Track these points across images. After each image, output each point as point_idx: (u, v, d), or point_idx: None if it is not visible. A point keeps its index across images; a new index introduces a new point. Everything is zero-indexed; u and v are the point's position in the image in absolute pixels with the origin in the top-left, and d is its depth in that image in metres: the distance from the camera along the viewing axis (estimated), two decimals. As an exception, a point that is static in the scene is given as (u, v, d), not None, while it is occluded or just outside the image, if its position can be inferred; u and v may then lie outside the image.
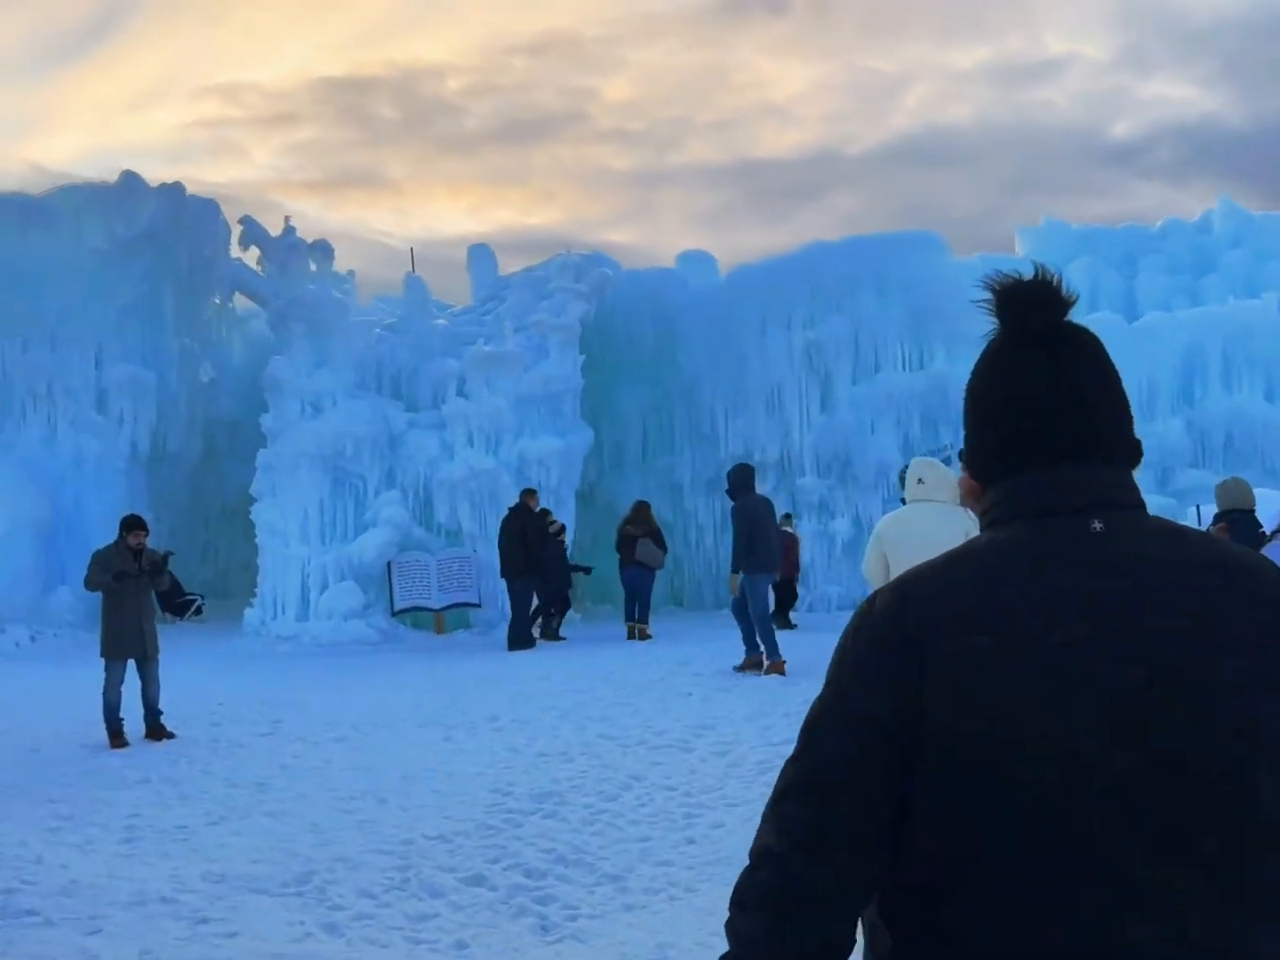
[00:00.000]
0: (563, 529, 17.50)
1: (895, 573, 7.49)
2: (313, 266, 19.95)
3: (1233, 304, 17.96)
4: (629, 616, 16.37)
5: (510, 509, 16.66)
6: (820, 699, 1.54)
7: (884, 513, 19.53)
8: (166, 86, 63.54)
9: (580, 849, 6.29)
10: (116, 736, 9.40)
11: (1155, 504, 17.31)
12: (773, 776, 6.36)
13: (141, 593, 9.69)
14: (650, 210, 65.92)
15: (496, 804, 7.23)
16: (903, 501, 7.61)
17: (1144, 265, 20.62)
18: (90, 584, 9.68)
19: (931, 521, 7.10)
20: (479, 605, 18.98)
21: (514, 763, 8.38)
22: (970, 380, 1.79)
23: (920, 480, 7.14)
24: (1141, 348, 18.02)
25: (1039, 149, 63.61)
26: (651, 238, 74.17)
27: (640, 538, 16.41)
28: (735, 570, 12.39)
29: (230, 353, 24.55)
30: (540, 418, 19.40)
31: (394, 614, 18.65)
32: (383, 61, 70.14)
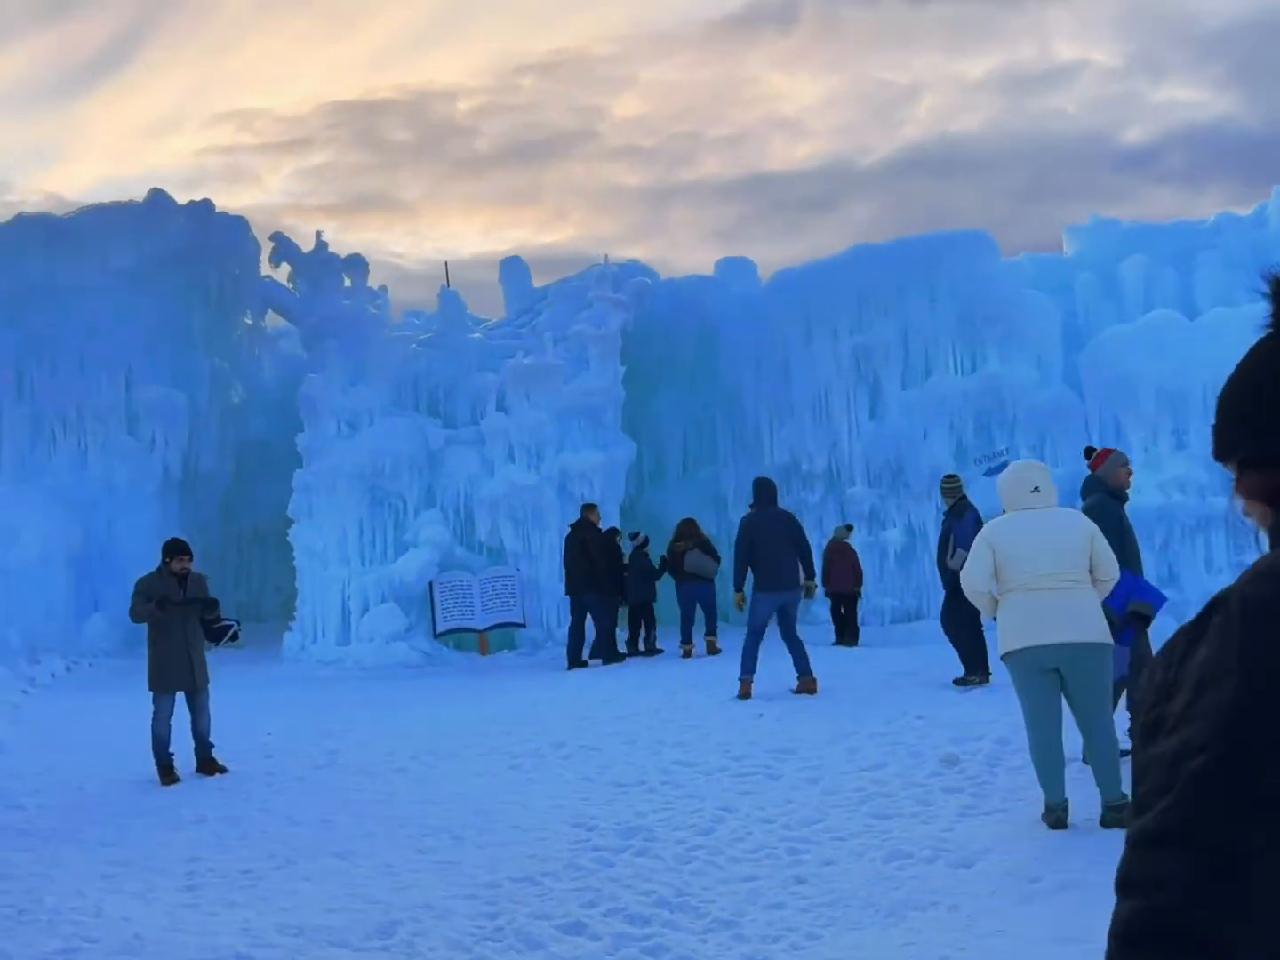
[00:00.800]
0: (646, 540, 17.23)
1: (1008, 582, 7.03)
2: (347, 282, 19.63)
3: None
4: (685, 637, 15.87)
5: (571, 525, 16.26)
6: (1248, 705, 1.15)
7: (938, 522, 18.98)
8: (180, 114, 63.81)
9: (682, 890, 5.82)
10: (167, 773, 8.97)
11: (1220, 506, 16.65)
12: (874, 806, 6.00)
13: (189, 621, 9.23)
14: (663, 226, 65.68)
15: (581, 840, 6.77)
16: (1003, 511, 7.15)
17: (1200, 262, 20.02)
18: (135, 615, 9.26)
19: (1055, 528, 6.68)
20: (524, 625, 18.56)
21: (590, 794, 7.91)
22: (1244, 381, 1.47)
23: (1036, 489, 6.74)
24: (1204, 345, 17.43)
25: (1051, 156, 63.22)
26: (665, 253, 74.03)
27: (688, 551, 15.94)
28: (738, 589, 11.76)
29: (261, 372, 24.29)
30: (581, 430, 18.99)
31: (436, 636, 18.25)
32: (394, 85, 70.45)
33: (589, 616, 15.40)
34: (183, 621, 9.20)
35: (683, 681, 12.79)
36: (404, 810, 7.78)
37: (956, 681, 11.22)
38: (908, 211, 63.53)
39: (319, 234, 20.05)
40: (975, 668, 11.25)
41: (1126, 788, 5.98)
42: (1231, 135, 59.32)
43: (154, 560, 18.75)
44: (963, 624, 11.16)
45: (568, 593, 15.98)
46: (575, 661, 15.40)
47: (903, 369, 19.40)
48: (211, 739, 9.26)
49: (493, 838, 6.98)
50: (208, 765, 9.16)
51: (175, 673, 9.14)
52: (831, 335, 19.62)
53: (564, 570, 15.96)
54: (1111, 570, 6.73)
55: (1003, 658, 6.81)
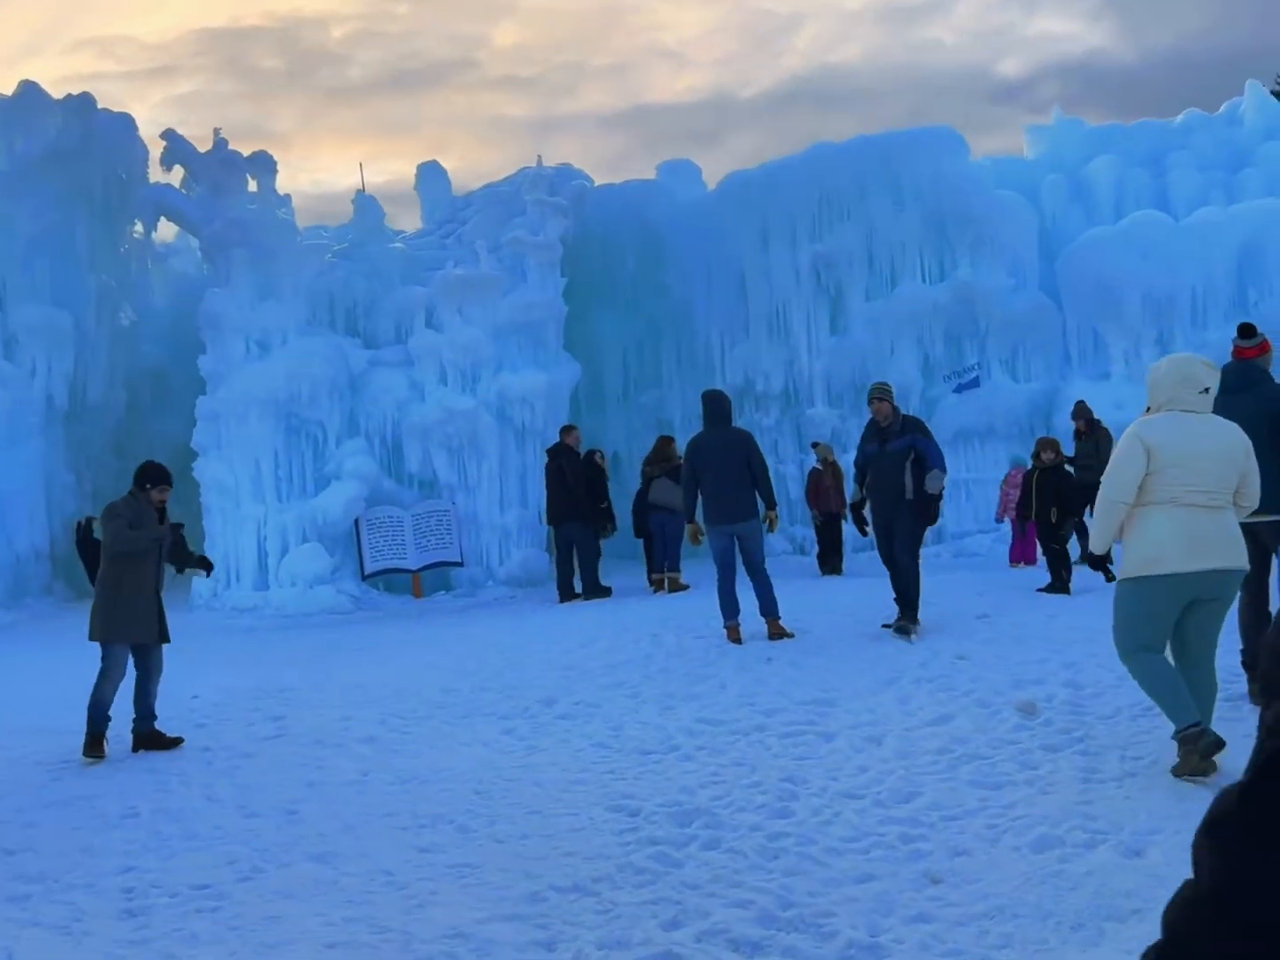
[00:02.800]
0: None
1: (1156, 493, 5.83)
2: (252, 184, 17.68)
3: (1290, 196, 16.59)
4: (655, 568, 14.64)
5: (548, 450, 15.04)
6: None
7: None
8: (40, 40, 59.54)
9: (786, 899, 4.56)
10: (97, 744, 7.48)
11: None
12: (972, 772, 4.63)
13: (162, 562, 7.92)
14: (547, 158, 63.34)
15: (628, 830, 5.47)
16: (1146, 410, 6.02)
17: (1172, 163, 19.12)
18: (128, 542, 7.57)
19: (1217, 437, 5.66)
20: (461, 564, 17.14)
21: (614, 764, 6.62)
22: None
23: (1206, 389, 5.69)
24: (1192, 248, 16.56)
25: (930, 88, 62.90)
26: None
27: (656, 478, 14.61)
28: (688, 519, 10.48)
29: (151, 294, 22.20)
30: (521, 349, 17.51)
31: (365, 578, 16.75)
32: (262, 11, 66.75)
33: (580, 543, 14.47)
34: (158, 560, 7.85)
35: (662, 621, 11.52)
36: (385, 793, 6.40)
37: (892, 627, 9.83)
38: (791, 143, 62.95)
39: (217, 131, 18.04)
40: (913, 612, 9.94)
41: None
42: (1104, 67, 59.63)
43: (38, 502, 16.86)
44: (915, 558, 9.96)
45: (548, 523, 14.79)
46: (566, 594, 14.37)
47: (866, 278, 18.22)
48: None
49: (509, 828, 5.65)
50: (153, 740, 7.65)
51: (140, 620, 7.64)
52: (789, 243, 18.34)
53: (545, 499, 14.95)
54: (1255, 496, 5.75)
55: (1132, 579, 5.76)
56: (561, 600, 14.40)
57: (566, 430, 15.09)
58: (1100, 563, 12.21)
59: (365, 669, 10.40)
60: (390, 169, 65.66)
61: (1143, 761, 5.99)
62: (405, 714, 8.26)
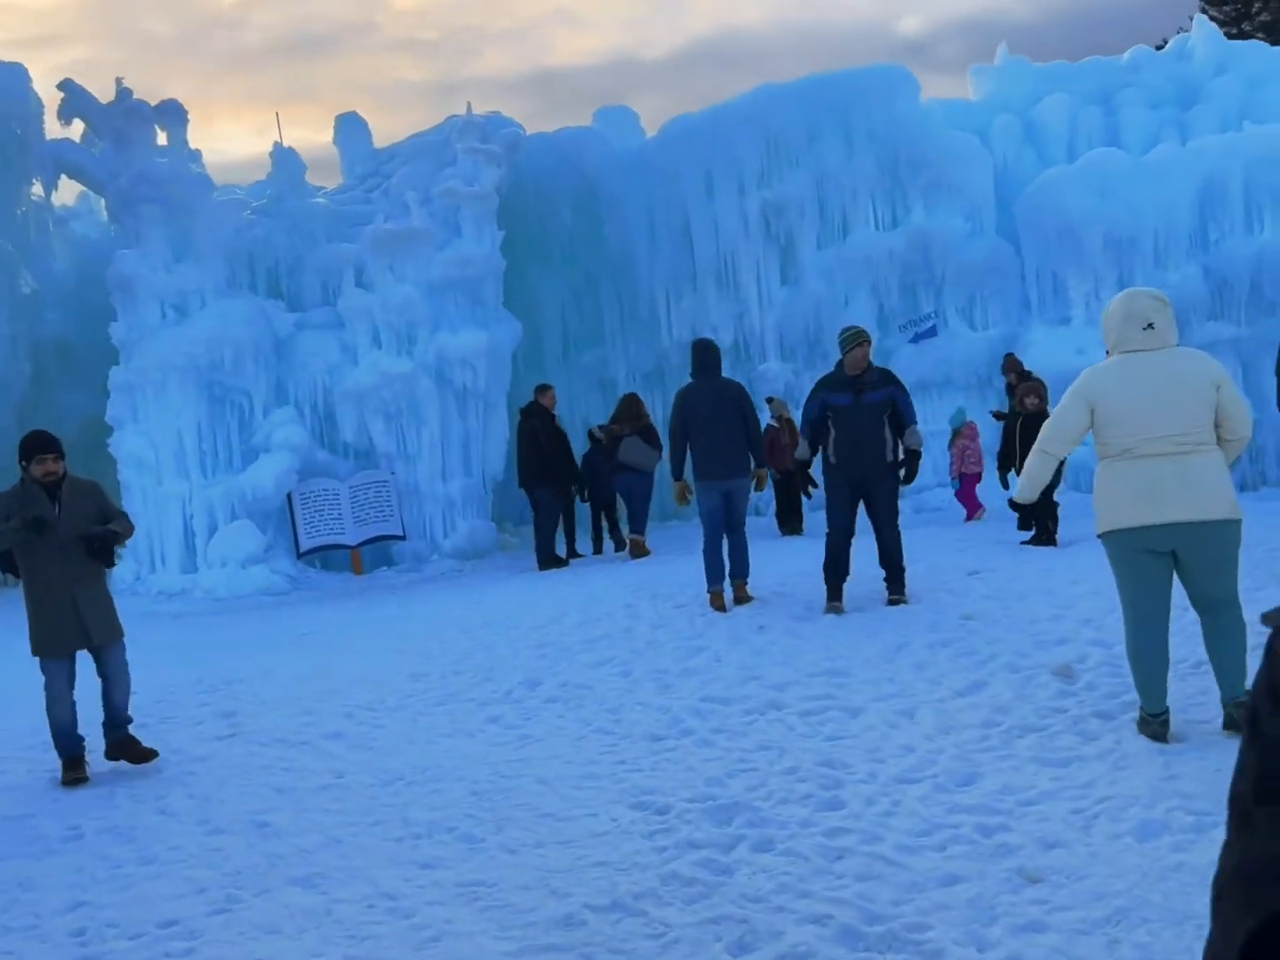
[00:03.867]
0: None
1: (1110, 445, 4.78)
2: (161, 137, 16.54)
3: (1254, 130, 16.21)
4: (630, 530, 14.01)
5: (521, 411, 14.38)
6: None
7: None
8: (-86, 9, 56.69)
9: (870, 911, 3.95)
10: (74, 765, 6.46)
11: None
12: (1031, 747, 4.84)
13: (71, 551, 6.46)
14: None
15: (660, 832, 4.83)
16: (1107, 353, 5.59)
17: (1122, 100, 18.74)
18: None
19: (1173, 375, 5.23)
20: (403, 537, 16.33)
21: (623, 753, 5.96)
22: None
23: (1150, 325, 5.32)
24: (1154, 186, 16.17)
25: (832, 46, 62.75)
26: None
27: (627, 436, 13.90)
28: (676, 476, 9.90)
29: (53, 260, 20.87)
30: (458, 307, 16.62)
31: (300, 556, 15.86)
32: (152, -26, 64.07)
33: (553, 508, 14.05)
34: (59, 553, 6.44)
35: (634, 591, 10.87)
36: (367, 798, 5.68)
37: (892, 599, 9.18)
38: (695, 105, 62.19)
39: (119, 81, 16.81)
40: (902, 584, 9.24)
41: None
42: (1003, 24, 59.89)
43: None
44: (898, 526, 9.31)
45: (521, 486, 14.17)
46: (548, 562, 13.82)
47: (818, 226, 17.59)
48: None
49: (520, 835, 4.98)
50: (127, 749, 6.60)
51: (59, 627, 6.48)
52: (736, 190, 17.63)
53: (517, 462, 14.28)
54: (1244, 427, 5.34)
55: (1101, 535, 5.50)
56: (541, 568, 13.78)
57: (541, 390, 14.39)
58: (1021, 509, 11.89)
59: (317, 655, 9.62)
60: (289, 137, 63.21)
61: (1212, 725, 5.49)
62: (373, 704, 7.52)
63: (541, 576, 13.20)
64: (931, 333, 17.25)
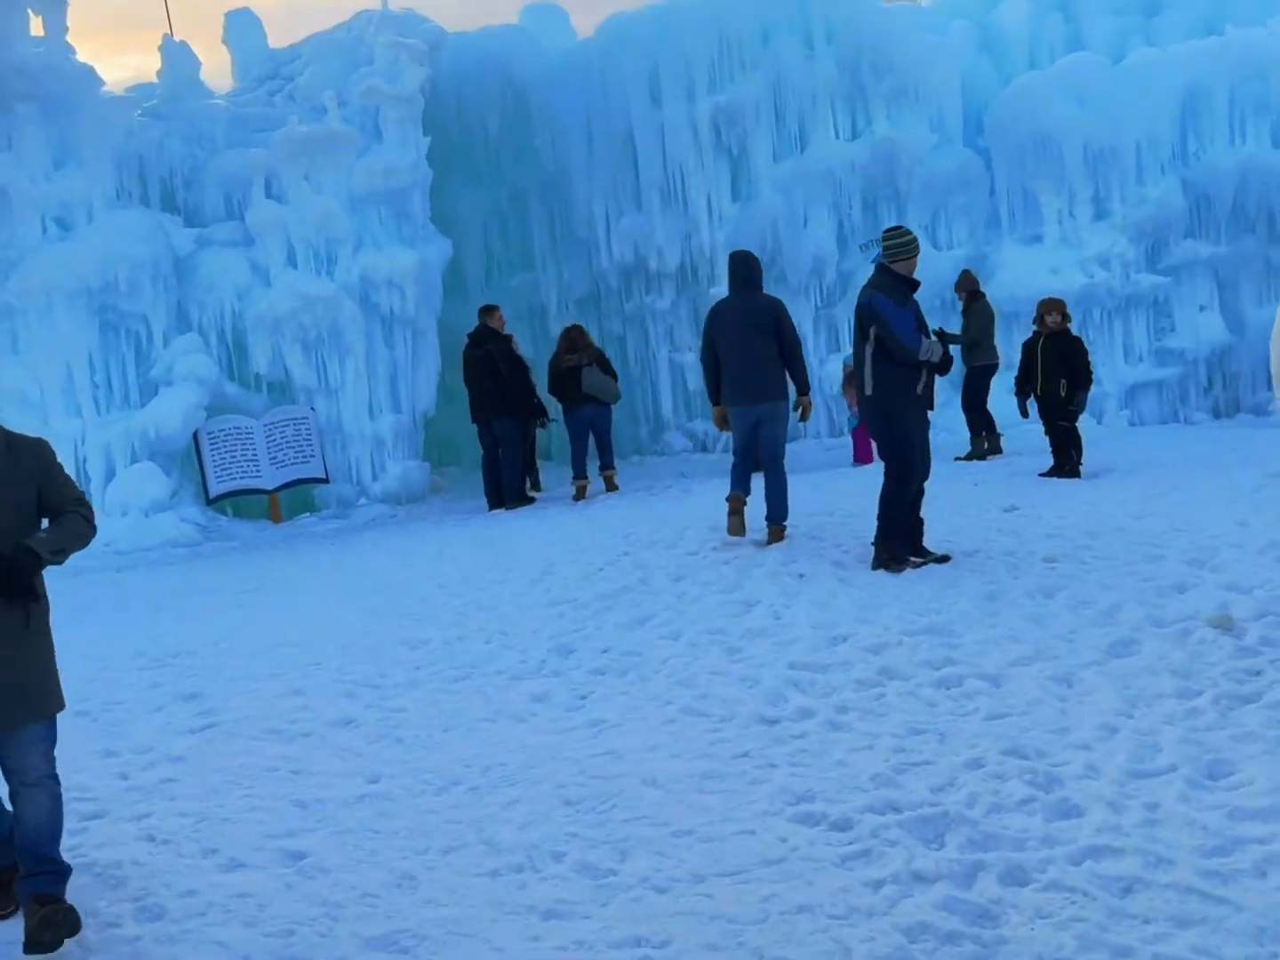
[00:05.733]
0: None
1: None
2: (35, 25, 14.50)
3: (1236, 34, 15.47)
4: (579, 472, 12.81)
5: (470, 336, 13.05)
6: None
7: (827, 321, 16.41)
8: None
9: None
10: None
11: (1146, 284, 14.76)
12: (1257, 721, 4.72)
13: None
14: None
15: (857, 857, 3.70)
16: None
17: (1084, 7, 17.87)
18: None
19: None
20: (326, 480, 14.85)
21: (738, 742, 4.80)
22: None
23: None
24: (1134, 94, 15.35)
25: None
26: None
27: (585, 367, 12.73)
28: (713, 401, 9.06)
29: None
30: (383, 223, 15.06)
31: (210, 502, 14.28)
32: None
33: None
34: None
35: (621, 535, 9.70)
36: (423, 811, 4.44)
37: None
38: (635, 3, 59.65)
39: (-20, -41, 14.68)
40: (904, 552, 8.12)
41: None
42: None
43: None
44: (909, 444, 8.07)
45: (474, 420, 12.80)
46: (501, 501, 12.69)
47: (773, 136, 16.39)
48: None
49: (663, 865, 3.81)
50: (45, 923, 3.57)
51: None
52: (683, 96, 16.30)
53: (469, 393, 12.94)
54: None
55: None
56: (491, 508, 12.69)
57: (488, 311, 13.07)
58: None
59: (271, 617, 8.24)
60: (133, 64, 58.48)
61: None
62: (375, 680, 6.23)
63: (498, 521, 11.94)
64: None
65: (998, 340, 13.41)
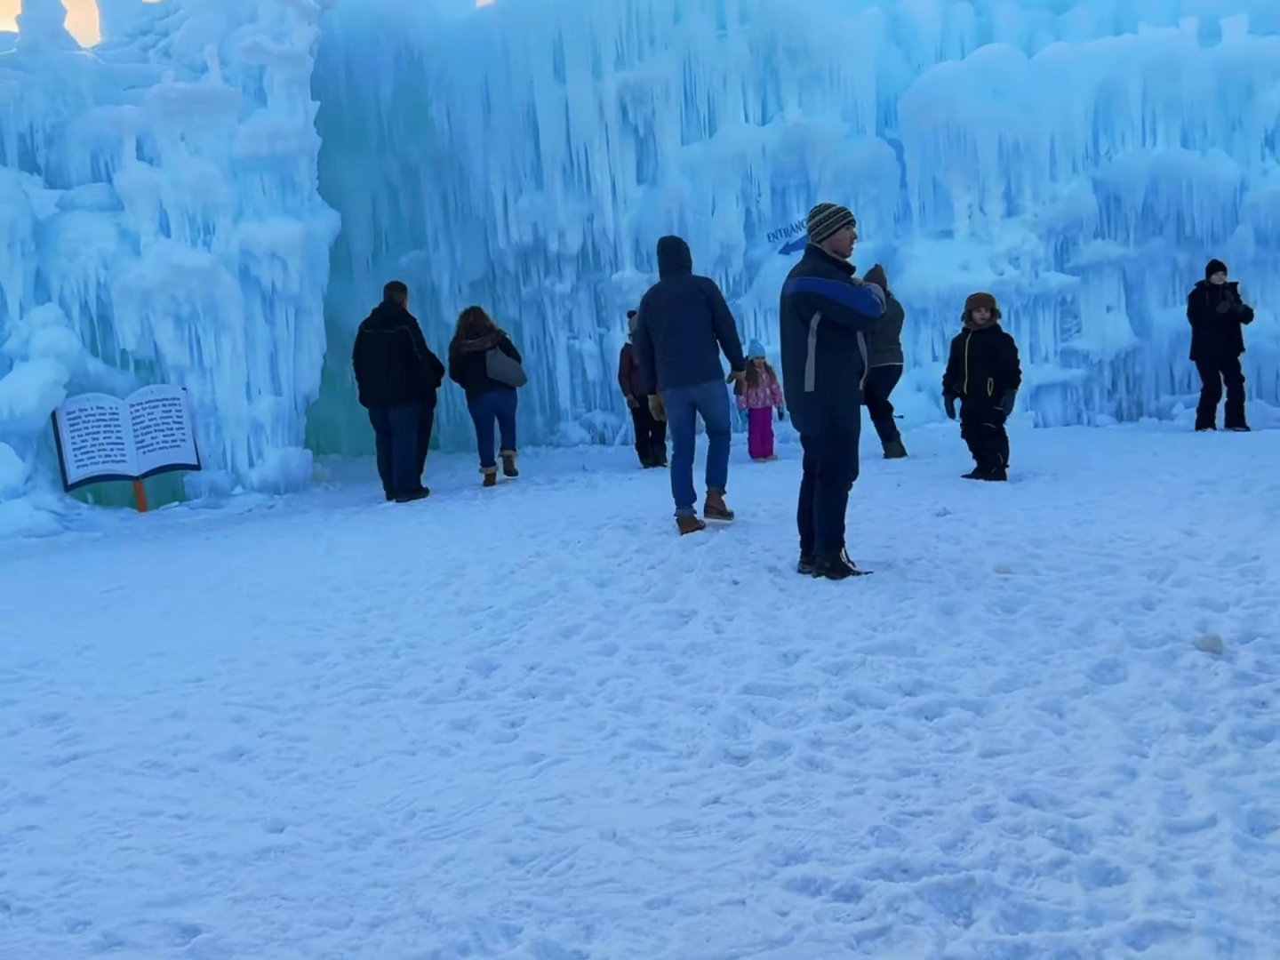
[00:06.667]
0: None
1: None
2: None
3: (1149, 32, 15.38)
4: (487, 459, 12.22)
5: (375, 312, 12.28)
6: None
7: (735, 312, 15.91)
8: None
9: None
10: None
11: (1054, 283, 14.61)
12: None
13: None
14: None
15: (874, 936, 3.13)
16: None
17: (993, 0, 17.71)
18: None
19: None
20: (198, 467, 13.89)
21: (705, 783, 4.18)
22: None
23: None
24: (1050, 88, 15.17)
25: None
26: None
27: (488, 351, 12.10)
28: (649, 390, 9.01)
29: None
30: (266, 191, 14.12)
31: (69, 488, 13.22)
32: None
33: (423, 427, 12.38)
34: None
35: (529, 531, 9.07)
36: (338, 870, 3.75)
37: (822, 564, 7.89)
38: None
39: None
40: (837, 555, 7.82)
41: None
42: None
43: None
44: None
45: (368, 404, 12.15)
46: (413, 491, 12.15)
47: (682, 117, 15.85)
48: None
49: (644, 946, 3.19)
50: None
51: None
52: (589, 71, 15.69)
53: (364, 375, 12.12)
54: None
55: None
56: (390, 498, 12.14)
57: (399, 289, 12.40)
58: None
59: (138, 621, 7.40)
60: None
61: None
62: (269, 701, 5.48)
63: (392, 515, 11.19)
64: (803, 243, 15.67)
65: (903, 338, 13.13)
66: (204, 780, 4.57)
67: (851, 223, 7.14)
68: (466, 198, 16.83)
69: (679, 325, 8.44)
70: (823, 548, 7.05)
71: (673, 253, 8.78)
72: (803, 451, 7.42)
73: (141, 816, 4.25)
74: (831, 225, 7.01)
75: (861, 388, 7.16)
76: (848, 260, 7.14)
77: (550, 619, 6.54)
